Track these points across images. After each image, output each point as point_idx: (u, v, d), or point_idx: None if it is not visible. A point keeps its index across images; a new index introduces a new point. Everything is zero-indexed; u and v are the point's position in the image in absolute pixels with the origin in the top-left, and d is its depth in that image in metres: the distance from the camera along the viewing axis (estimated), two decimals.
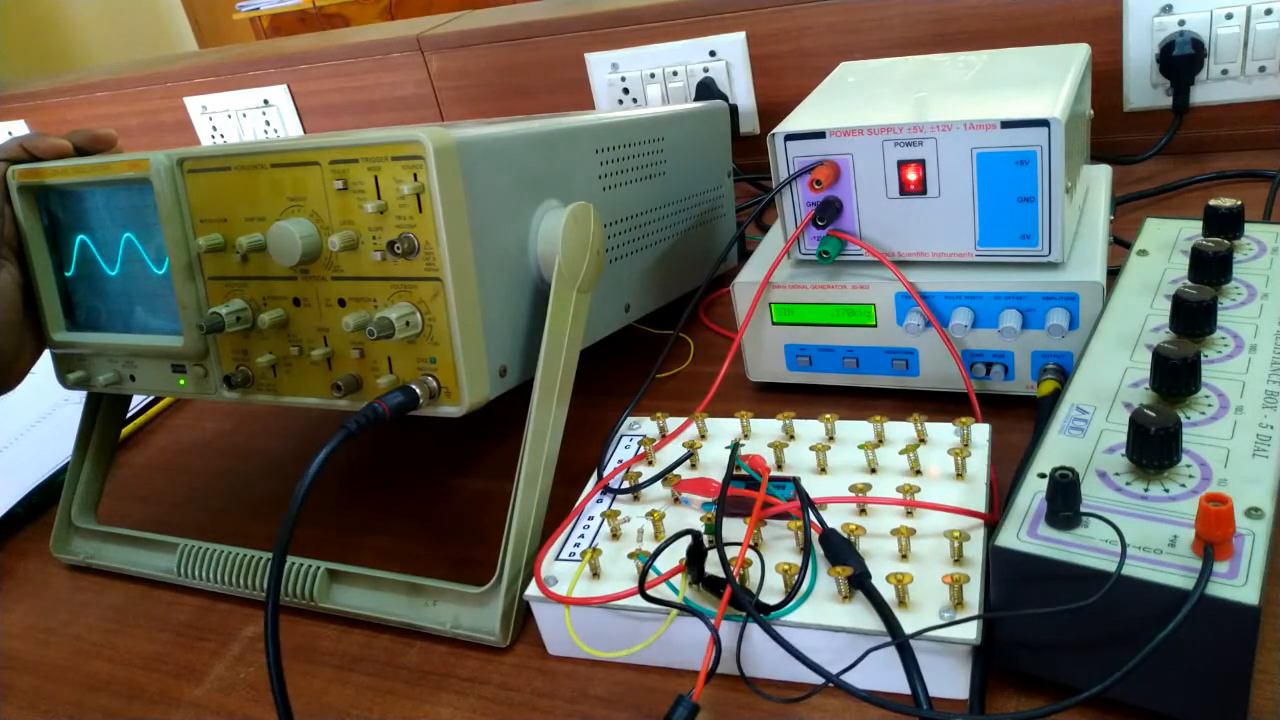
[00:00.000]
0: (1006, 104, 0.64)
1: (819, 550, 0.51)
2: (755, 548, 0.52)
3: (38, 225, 0.68)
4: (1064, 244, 0.63)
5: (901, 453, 0.56)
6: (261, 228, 0.59)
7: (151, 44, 2.53)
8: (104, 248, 0.66)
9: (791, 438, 0.61)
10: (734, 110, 1.12)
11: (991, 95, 0.68)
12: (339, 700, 0.56)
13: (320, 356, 0.59)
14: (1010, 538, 0.44)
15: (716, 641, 0.47)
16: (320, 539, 0.65)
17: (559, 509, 0.59)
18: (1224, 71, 0.93)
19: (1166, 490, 0.45)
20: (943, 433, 0.59)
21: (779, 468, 0.59)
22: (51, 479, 0.82)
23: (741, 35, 1.09)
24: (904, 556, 0.50)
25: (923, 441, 0.58)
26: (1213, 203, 0.64)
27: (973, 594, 0.47)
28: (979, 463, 0.56)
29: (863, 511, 0.54)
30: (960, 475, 0.55)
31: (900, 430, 0.60)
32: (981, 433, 0.58)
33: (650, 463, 0.62)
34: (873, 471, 0.57)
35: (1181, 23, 0.92)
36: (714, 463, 0.60)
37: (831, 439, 0.60)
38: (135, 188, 0.62)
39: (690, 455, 0.60)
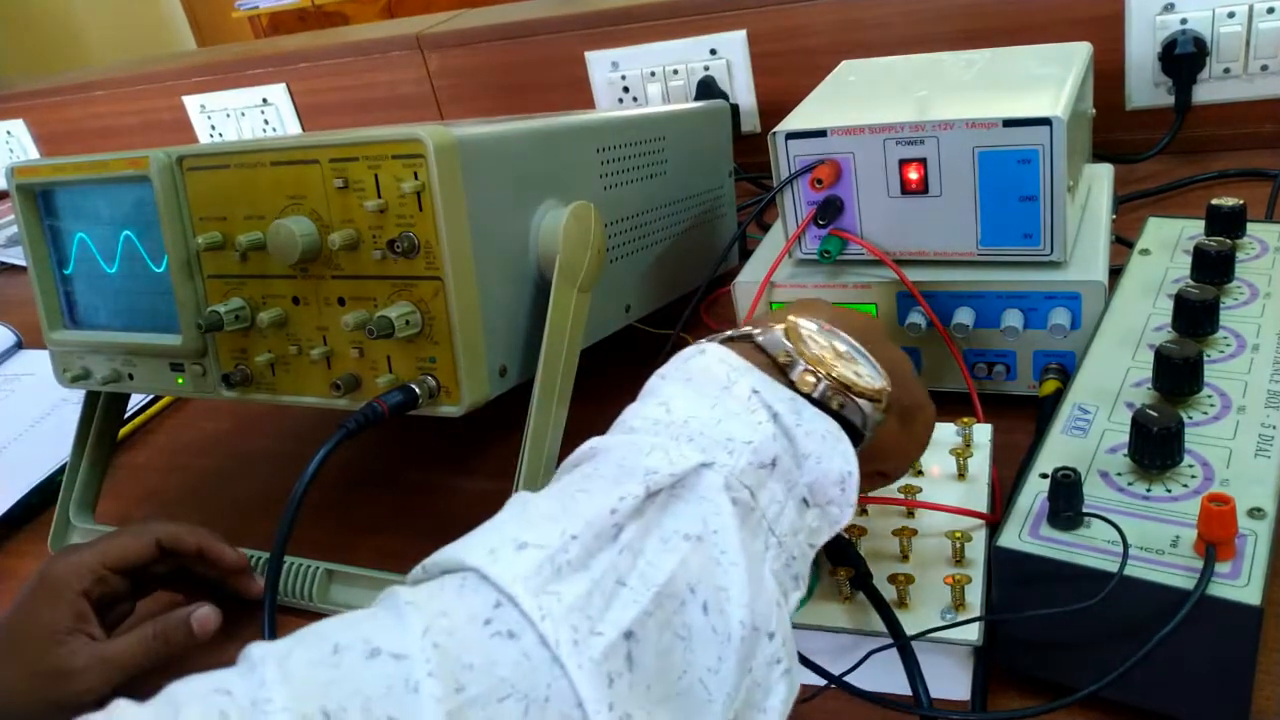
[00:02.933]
0: (1008, 102, 0.64)
1: (820, 551, 0.51)
2: None
3: (37, 224, 0.68)
4: (1066, 243, 0.63)
5: None
6: (261, 226, 0.59)
7: (151, 43, 2.53)
8: (103, 246, 0.66)
9: None
10: (735, 109, 1.11)
11: (993, 94, 0.68)
12: None
13: (319, 355, 0.59)
14: (1012, 538, 0.44)
15: None
16: (319, 539, 0.65)
17: None
18: (1226, 70, 0.93)
19: (1168, 490, 0.45)
20: (945, 433, 0.58)
21: None
22: (50, 478, 0.82)
23: (742, 33, 1.09)
24: (905, 557, 0.50)
25: None
26: (1215, 202, 0.64)
27: (974, 595, 0.47)
28: (981, 463, 0.55)
29: (864, 512, 0.53)
30: (962, 475, 0.55)
31: None
32: (984, 433, 0.58)
33: None
34: None
35: (1183, 21, 0.92)
36: None
37: None
38: (134, 186, 0.62)
39: None
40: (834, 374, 0.40)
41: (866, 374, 0.42)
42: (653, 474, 0.35)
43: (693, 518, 0.35)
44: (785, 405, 0.39)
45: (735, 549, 0.34)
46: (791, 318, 0.42)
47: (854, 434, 0.41)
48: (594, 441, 0.39)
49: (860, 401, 0.41)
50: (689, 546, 0.34)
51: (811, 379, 0.40)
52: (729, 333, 0.43)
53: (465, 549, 0.34)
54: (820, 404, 0.40)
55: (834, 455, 0.39)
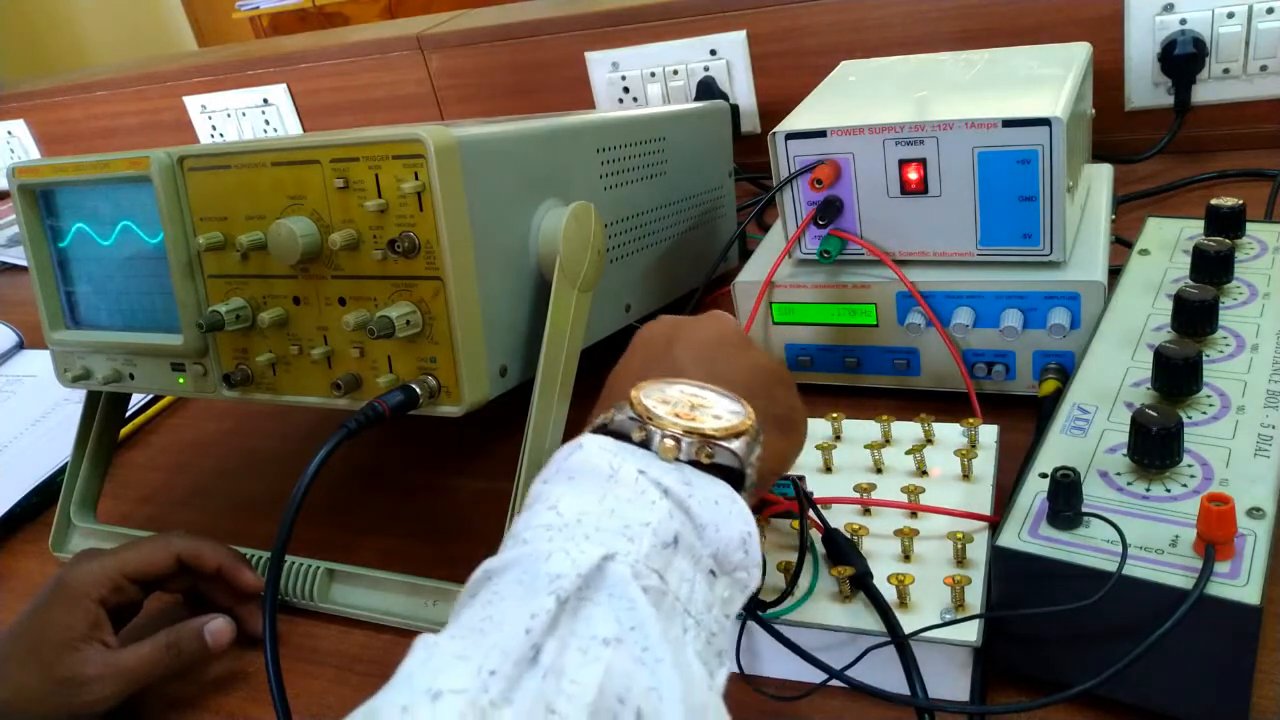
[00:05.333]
0: (1008, 103, 0.64)
1: (821, 550, 0.51)
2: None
3: (38, 224, 0.68)
4: (1065, 243, 0.63)
5: (908, 453, 0.56)
6: (262, 226, 0.59)
7: (151, 43, 2.53)
8: (104, 246, 0.66)
9: None
10: (735, 109, 1.11)
11: (993, 94, 0.68)
12: (339, 700, 0.55)
13: (320, 355, 0.59)
14: (1011, 538, 0.44)
15: None
16: (320, 539, 0.65)
17: None
18: (1225, 70, 0.93)
19: (1168, 490, 0.45)
20: (950, 433, 0.58)
21: None
22: (51, 478, 0.82)
23: (742, 34, 1.09)
24: (907, 557, 0.50)
25: (930, 442, 0.58)
26: (1214, 202, 0.64)
27: (975, 595, 0.47)
28: (986, 463, 0.55)
29: (866, 512, 0.54)
30: (967, 476, 0.55)
31: (907, 430, 0.59)
32: (989, 434, 0.58)
33: None
34: (878, 471, 0.57)
35: (1183, 21, 0.92)
36: None
37: (838, 438, 0.60)
38: (136, 186, 0.62)
39: None
40: (692, 430, 0.39)
41: (726, 412, 0.41)
42: (557, 579, 0.33)
43: (607, 619, 0.33)
44: (673, 478, 0.38)
45: (657, 641, 0.33)
46: (633, 391, 0.41)
47: (736, 476, 0.40)
48: (487, 564, 0.36)
49: (727, 444, 0.40)
50: (610, 652, 0.32)
51: (671, 443, 0.39)
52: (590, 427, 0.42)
53: (372, 713, 0.30)
54: (692, 465, 0.39)
55: (731, 518, 0.38)
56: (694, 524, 0.37)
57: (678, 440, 0.39)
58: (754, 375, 0.46)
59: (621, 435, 0.40)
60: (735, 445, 0.40)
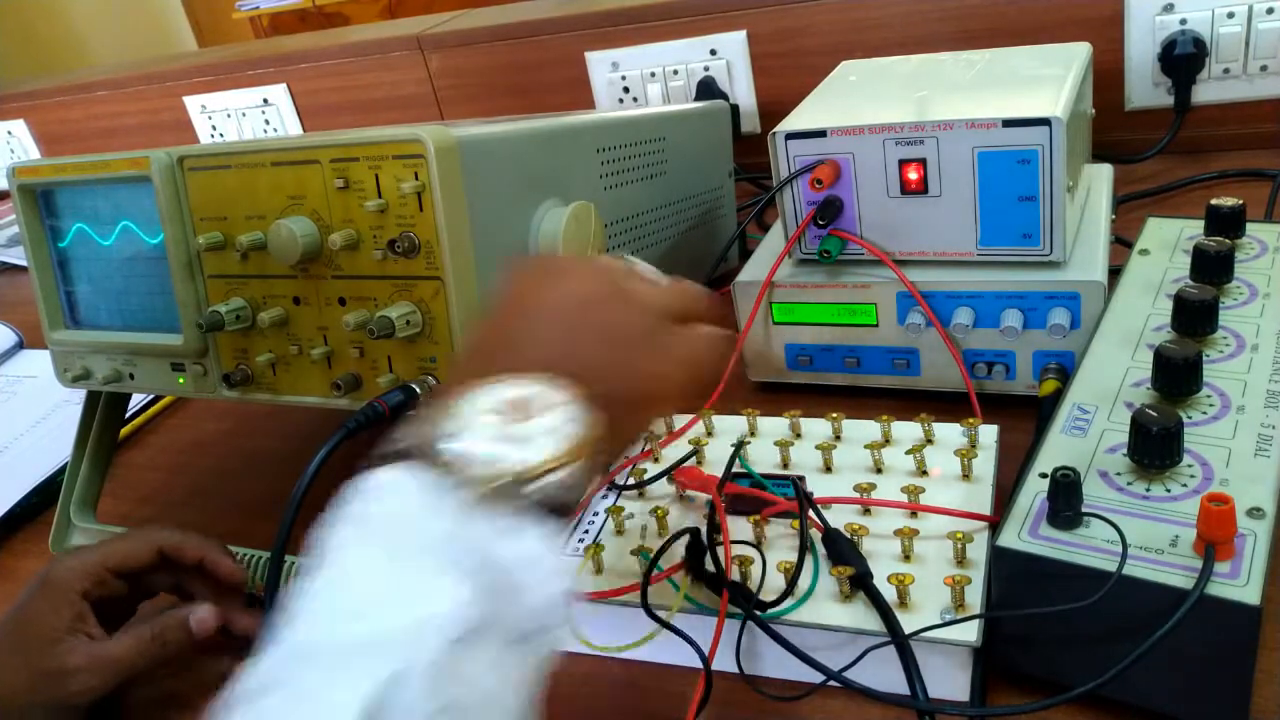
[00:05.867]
0: (1008, 103, 0.64)
1: (821, 550, 0.51)
2: (759, 546, 0.52)
3: (38, 224, 0.68)
4: (1065, 243, 0.63)
5: (908, 453, 0.56)
6: (262, 226, 0.59)
7: (151, 44, 2.53)
8: (104, 246, 0.66)
9: (798, 436, 0.61)
10: (735, 109, 1.11)
11: (993, 94, 0.68)
12: None
13: (320, 355, 0.59)
14: (1012, 538, 0.44)
15: (707, 678, 0.46)
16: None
17: None
18: (1226, 70, 0.93)
19: (1168, 490, 0.45)
20: (950, 433, 0.59)
21: (785, 466, 0.59)
22: (51, 478, 0.82)
23: (742, 34, 1.09)
24: (907, 557, 0.50)
25: (930, 442, 0.58)
26: (1214, 202, 0.64)
27: (975, 595, 0.47)
28: (986, 463, 0.55)
29: (866, 512, 0.54)
30: (967, 476, 0.55)
31: (907, 430, 0.59)
32: (989, 434, 0.58)
33: (656, 459, 0.62)
34: (878, 471, 0.57)
35: (1183, 21, 0.92)
36: (720, 460, 0.60)
37: (838, 438, 0.60)
38: (136, 186, 0.62)
39: (696, 452, 0.60)
40: (515, 470, 0.35)
41: (562, 422, 0.36)
42: None
43: None
44: (483, 530, 0.34)
45: None
46: (450, 406, 0.36)
47: (564, 506, 0.36)
48: (248, 682, 0.32)
49: (553, 477, 0.35)
50: None
51: (488, 475, 0.35)
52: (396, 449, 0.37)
53: None
54: (516, 492, 0.35)
55: (549, 578, 0.35)
56: (505, 588, 0.33)
57: (494, 476, 0.35)
58: (614, 347, 0.41)
59: (436, 460, 0.36)
60: (561, 475, 0.36)
